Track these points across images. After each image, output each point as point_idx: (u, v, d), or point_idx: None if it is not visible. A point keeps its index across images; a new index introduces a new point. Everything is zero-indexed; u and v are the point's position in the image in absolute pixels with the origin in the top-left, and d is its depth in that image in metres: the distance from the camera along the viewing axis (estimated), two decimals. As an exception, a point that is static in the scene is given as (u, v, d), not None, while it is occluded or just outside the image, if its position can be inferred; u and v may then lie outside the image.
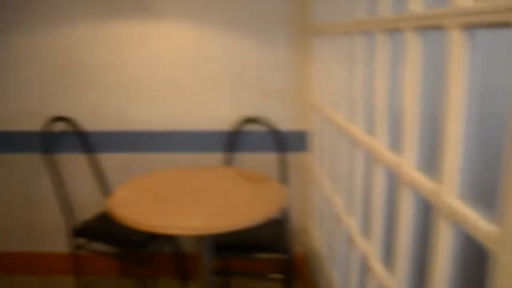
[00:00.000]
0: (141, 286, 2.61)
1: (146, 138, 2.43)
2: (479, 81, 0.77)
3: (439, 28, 0.85)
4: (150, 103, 2.39)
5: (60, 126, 2.41)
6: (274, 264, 2.57)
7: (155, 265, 2.63)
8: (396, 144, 1.14)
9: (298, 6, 2.26)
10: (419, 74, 1.00)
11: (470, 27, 0.76)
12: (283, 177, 2.39)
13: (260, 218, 1.56)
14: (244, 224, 1.51)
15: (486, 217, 0.73)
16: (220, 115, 2.39)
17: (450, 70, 0.81)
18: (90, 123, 2.42)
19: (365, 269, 1.44)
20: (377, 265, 1.31)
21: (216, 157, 2.44)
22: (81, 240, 2.33)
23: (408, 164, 1.05)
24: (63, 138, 2.44)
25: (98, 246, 2.37)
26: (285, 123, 2.39)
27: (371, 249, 1.37)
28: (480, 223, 0.73)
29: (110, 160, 2.47)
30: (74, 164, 2.47)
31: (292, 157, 2.43)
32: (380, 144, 1.27)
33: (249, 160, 2.44)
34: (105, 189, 2.48)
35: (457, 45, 0.79)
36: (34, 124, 2.43)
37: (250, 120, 2.37)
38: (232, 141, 2.41)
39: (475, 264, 0.84)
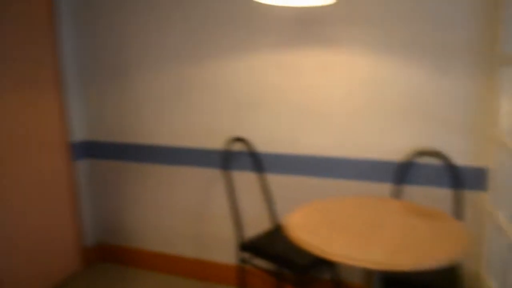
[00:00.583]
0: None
1: (314, 162, 2.49)
2: None
3: None
4: (321, 129, 2.45)
5: (237, 146, 2.62)
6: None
7: (311, 289, 2.66)
8: None
9: (483, 34, 2.10)
10: None
11: None
12: (457, 216, 2.22)
13: (444, 260, 1.47)
14: (428, 265, 1.44)
15: None
16: (390, 145, 2.34)
17: None
18: (263, 145, 2.58)
19: None
20: None
21: (383, 188, 2.38)
22: (246, 255, 2.46)
23: None
24: (239, 157, 2.64)
25: (261, 263, 2.49)
26: (461, 157, 2.23)
27: None
28: None
29: (278, 181, 2.59)
30: (246, 181, 2.66)
31: (468, 195, 2.25)
32: None
33: (419, 194, 2.33)
34: (272, 208, 2.60)
35: None
36: (212, 142, 2.68)
37: (424, 153, 2.26)
38: (402, 172, 2.34)
39: None
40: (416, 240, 1.61)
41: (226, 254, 2.80)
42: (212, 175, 2.74)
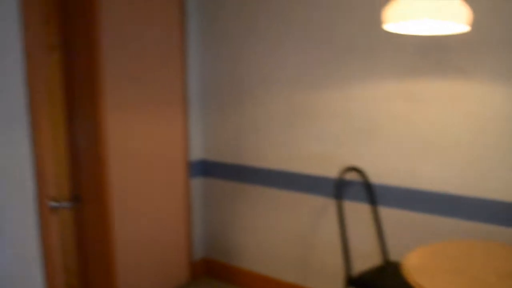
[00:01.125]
0: None
1: (435, 198, 2.32)
2: None
3: None
4: (445, 163, 2.28)
5: (350, 175, 2.55)
6: None
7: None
8: None
9: None
10: None
11: None
12: None
13: None
14: None
15: None
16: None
17: None
18: (378, 176, 2.48)
19: None
20: None
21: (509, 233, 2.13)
22: (354, 289, 2.36)
23: None
24: (351, 187, 2.57)
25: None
26: None
27: None
28: None
29: (392, 215, 2.46)
30: (357, 212, 2.57)
31: None
32: None
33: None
34: (383, 243, 2.47)
35: None
36: (325, 170, 2.65)
37: None
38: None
39: None
40: None
41: (331, 285, 2.71)
42: (322, 203, 2.69)
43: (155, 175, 2.83)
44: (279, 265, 2.94)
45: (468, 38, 2.15)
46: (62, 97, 2.39)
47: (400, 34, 2.31)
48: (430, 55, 2.25)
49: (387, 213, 2.48)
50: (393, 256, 2.48)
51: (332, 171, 2.63)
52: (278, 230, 2.91)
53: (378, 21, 2.37)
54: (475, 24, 2.10)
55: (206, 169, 3.21)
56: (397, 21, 1.52)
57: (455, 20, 1.46)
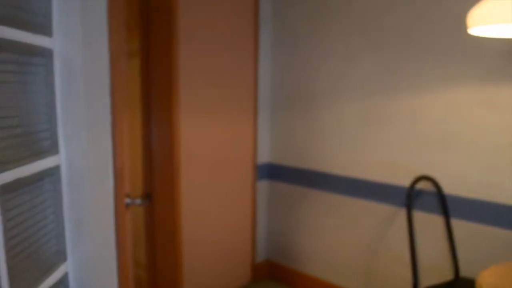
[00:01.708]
0: None
1: (510, 213, 2.18)
2: None
3: None
4: (526, 177, 2.13)
5: (422, 184, 2.45)
6: None
7: None
8: None
9: None
10: None
11: None
12: None
13: None
14: None
15: None
16: None
17: None
18: (452, 186, 2.36)
19: None
20: None
21: None
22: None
23: None
24: (422, 197, 2.47)
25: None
26: None
27: None
28: None
29: (465, 228, 2.33)
30: (428, 223, 2.46)
31: None
32: None
33: None
34: (455, 257, 2.35)
35: None
36: (395, 178, 2.56)
37: None
38: None
39: None
40: None
41: (397, 297, 2.62)
42: (390, 212, 2.61)
43: (223, 177, 2.90)
44: (342, 272, 2.89)
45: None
46: (139, 100, 2.52)
47: (482, 37, 2.18)
48: (515, 60, 2.11)
49: (460, 225, 2.35)
50: (465, 272, 2.35)
51: (402, 180, 2.53)
52: (342, 237, 2.86)
53: (456, 24, 2.25)
54: None
55: (272, 172, 3.23)
56: (482, 24, 1.44)
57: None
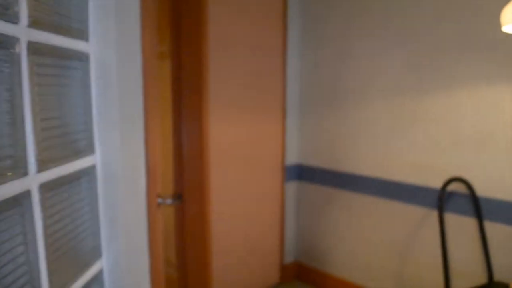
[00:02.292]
0: None
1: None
2: None
3: None
4: None
5: (454, 186, 2.40)
6: None
7: None
8: None
9: None
10: None
11: None
12: None
13: None
14: None
15: None
16: None
17: None
18: (486, 188, 2.30)
19: None
20: None
21: None
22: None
23: None
24: (455, 199, 2.42)
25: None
26: None
27: None
28: None
29: (499, 231, 2.27)
30: (460, 226, 2.41)
31: None
32: None
33: None
34: (488, 261, 2.29)
35: None
36: (427, 179, 2.52)
37: None
38: None
39: None
40: None
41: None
42: (422, 214, 2.57)
43: (253, 178, 2.92)
44: (371, 274, 2.86)
45: None
46: (170, 102, 2.57)
47: (516, 36, 2.13)
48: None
49: (494, 228, 2.29)
50: (499, 276, 2.28)
51: (434, 181, 2.49)
52: (372, 239, 2.84)
53: (492, 20, 2.20)
54: None
55: (301, 173, 3.23)
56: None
57: None
